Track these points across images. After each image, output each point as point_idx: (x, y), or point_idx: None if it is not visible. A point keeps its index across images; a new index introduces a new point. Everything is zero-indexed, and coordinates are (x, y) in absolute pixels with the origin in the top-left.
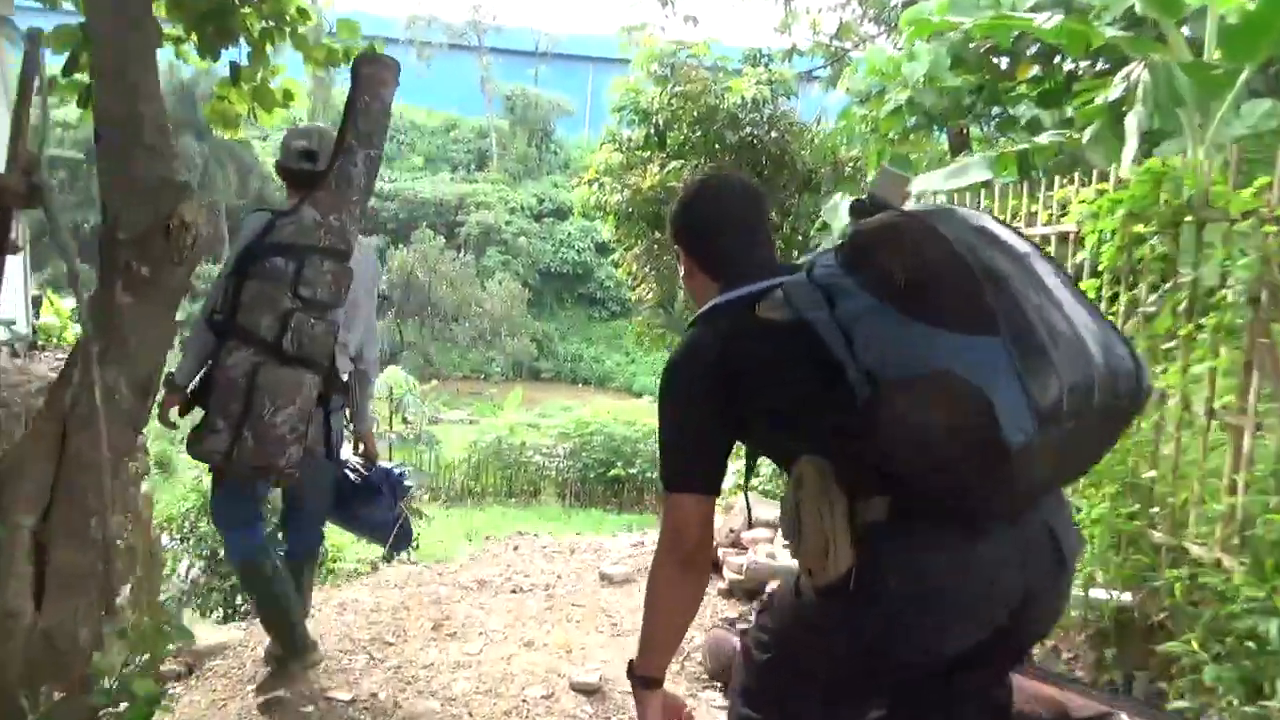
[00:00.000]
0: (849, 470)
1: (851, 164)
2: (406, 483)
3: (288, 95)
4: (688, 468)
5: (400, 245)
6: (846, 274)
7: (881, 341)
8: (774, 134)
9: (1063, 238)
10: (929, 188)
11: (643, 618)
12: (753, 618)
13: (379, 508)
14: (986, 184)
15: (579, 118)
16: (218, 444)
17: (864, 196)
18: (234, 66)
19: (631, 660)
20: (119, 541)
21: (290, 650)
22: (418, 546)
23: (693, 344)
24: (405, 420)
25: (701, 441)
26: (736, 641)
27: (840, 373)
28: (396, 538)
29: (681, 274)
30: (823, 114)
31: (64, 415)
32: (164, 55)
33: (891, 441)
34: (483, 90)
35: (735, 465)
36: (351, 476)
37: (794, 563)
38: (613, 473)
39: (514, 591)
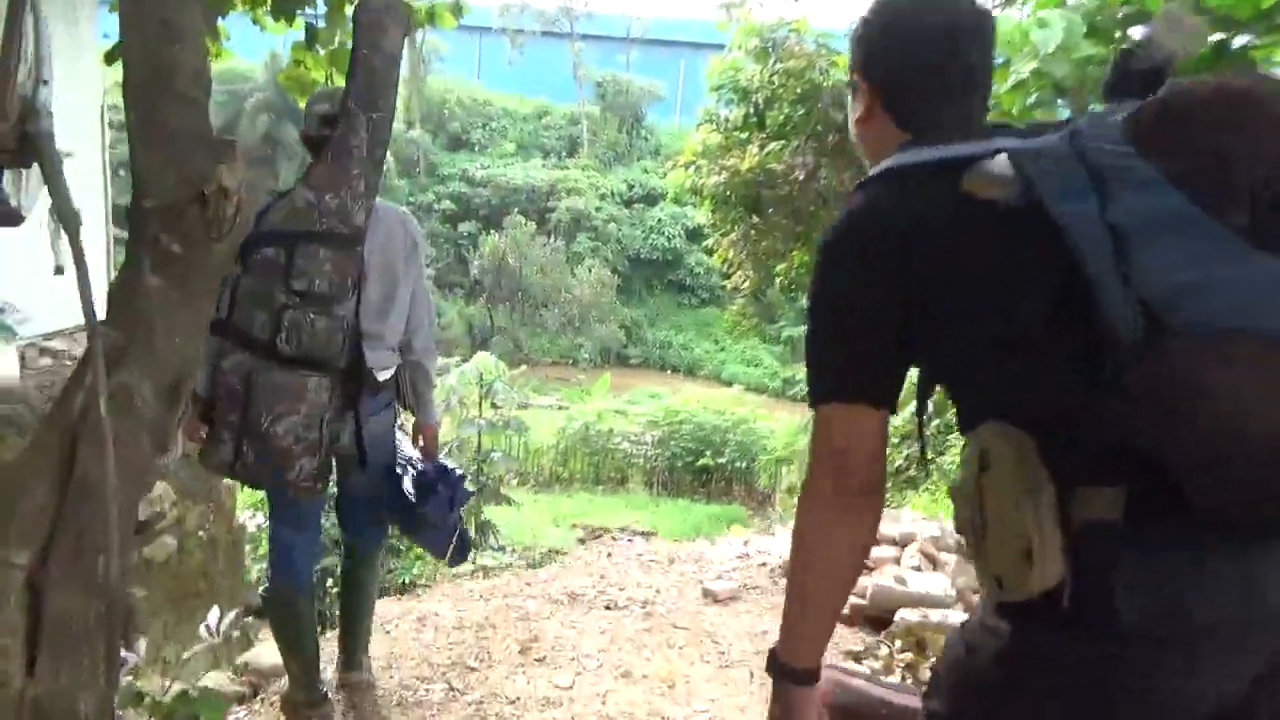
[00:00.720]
0: (1065, 443)
1: None
2: (467, 486)
3: None
4: (856, 366)
5: (491, 231)
6: (1139, 154)
7: (1187, 268)
8: None
9: None
10: None
11: (787, 586)
12: (918, 703)
13: (431, 511)
14: None
15: (670, 103)
16: (225, 455)
17: (1135, 44)
18: (309, 29)
19: (773, 648)
20: (202, 534)
21: (301, 695)
22: (474, 560)
23: (863, 211)
24: (495, 406)
25: (873, 333)
26: (870, 690)
27: (1089, 298)
28: (455, 551)
29: (852, 115)
30: None
31: (72, 426)
32: (241, 22)
33: (1168, 419)
34: (574, 76)
35: None
36: (406, 482)
37: (927, 589)
38: (701, 462)
39: (608, 608)
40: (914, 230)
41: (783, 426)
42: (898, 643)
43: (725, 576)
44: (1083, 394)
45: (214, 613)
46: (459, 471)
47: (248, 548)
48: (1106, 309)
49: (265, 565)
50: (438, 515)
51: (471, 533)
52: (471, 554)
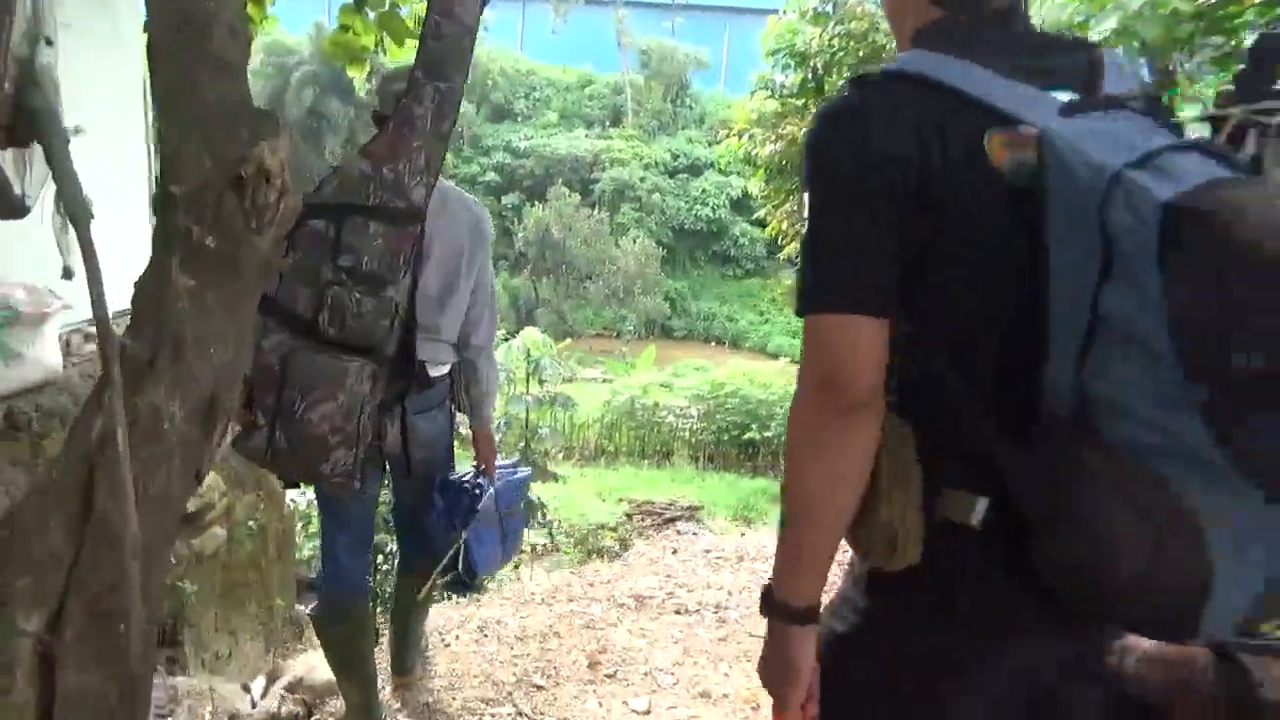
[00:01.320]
0: (947, 444)
1: None
2: (487, 506)
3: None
4: (854, 272)
5: (535, 203)
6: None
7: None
8: None
9: None
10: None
11: (781, 516)
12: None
13: (431, 523)
14: None
15: (715, 72)
16: (259, 441)
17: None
18: None
19: (766, 585)
20: (252, 523)
21: None
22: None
23: (864, 111)
24: (541, 383)
25: (872, 240)
26: None
27: (1037, 349)
28: (451, 575)
29: None
30: None
31: (89, 457)
32: None
33: (1047, 507)
34: (618, 45)
35: None
36: (462, 495)
37: None
38: (747, 435)
39: (678, 612)
40: (919, 163)
41: None
42: None
43: None
44: (981, 408)
45: (259, 683)
46: (519, 473)
47: (298, 526)
48: (1049, 378)
49: (317, 545)
50: (435, 528)
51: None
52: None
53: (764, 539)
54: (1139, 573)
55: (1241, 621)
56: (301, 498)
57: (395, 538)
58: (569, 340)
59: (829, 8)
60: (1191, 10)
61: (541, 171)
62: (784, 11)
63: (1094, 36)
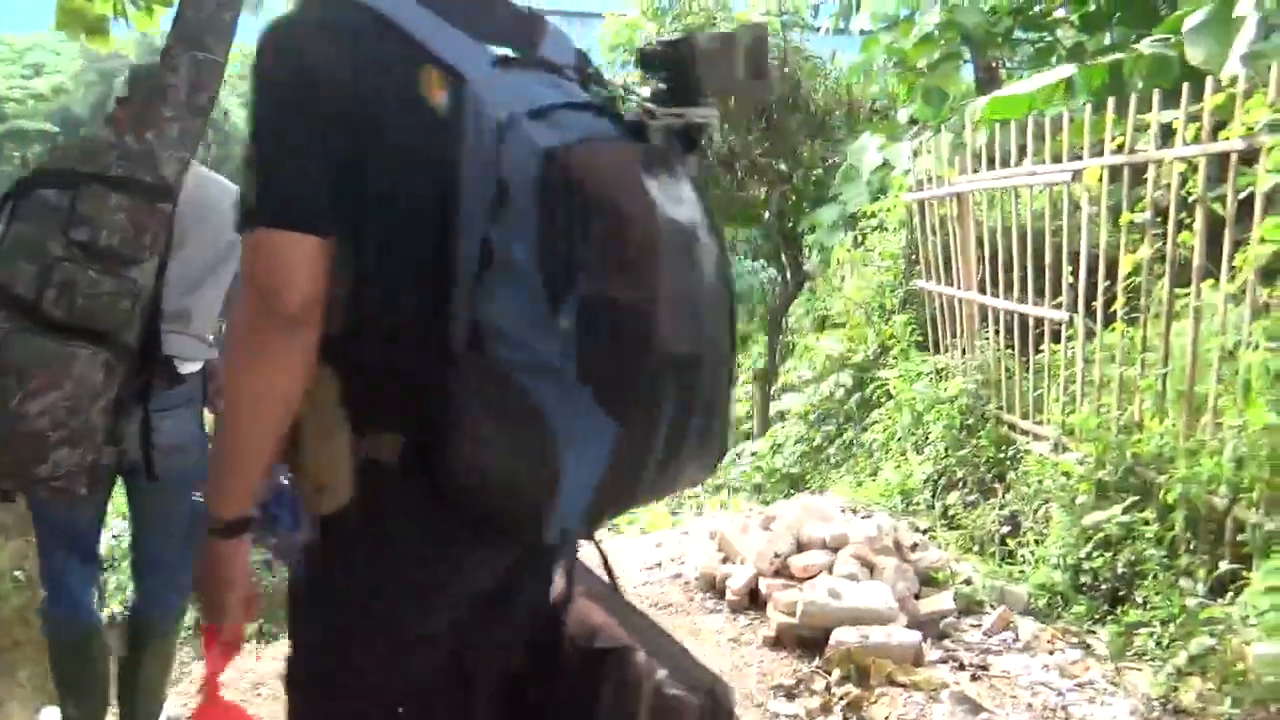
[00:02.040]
0: (367, 386)
1: (870, 104)
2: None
3: None
4: (293, 190)
5: None
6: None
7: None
8: (785, 69)
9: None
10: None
11: (219, 427)
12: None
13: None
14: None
15: None
16: None
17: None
18: None
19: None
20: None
21: None
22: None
23: (308, 32)
24: None
25: (308, 160)
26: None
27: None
28: None
29: None
30: (836, 48)
31: None
32: None
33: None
34: None
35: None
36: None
37: (866, 603)
38: None
39: None
40: (354, 90)
41: None
42: (835, 672)
43: (633, 595)
44: (402, 344)
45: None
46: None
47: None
48: (454, 309)
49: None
50: (178, 552)
51: None
52: None
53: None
54: (501, 476)
55: (586, 514)
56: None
57: (133, 581)
58: None
59: (665, 2)
60: (1009, 6)
61: None
62: (628, 7)
63: (919, 32)
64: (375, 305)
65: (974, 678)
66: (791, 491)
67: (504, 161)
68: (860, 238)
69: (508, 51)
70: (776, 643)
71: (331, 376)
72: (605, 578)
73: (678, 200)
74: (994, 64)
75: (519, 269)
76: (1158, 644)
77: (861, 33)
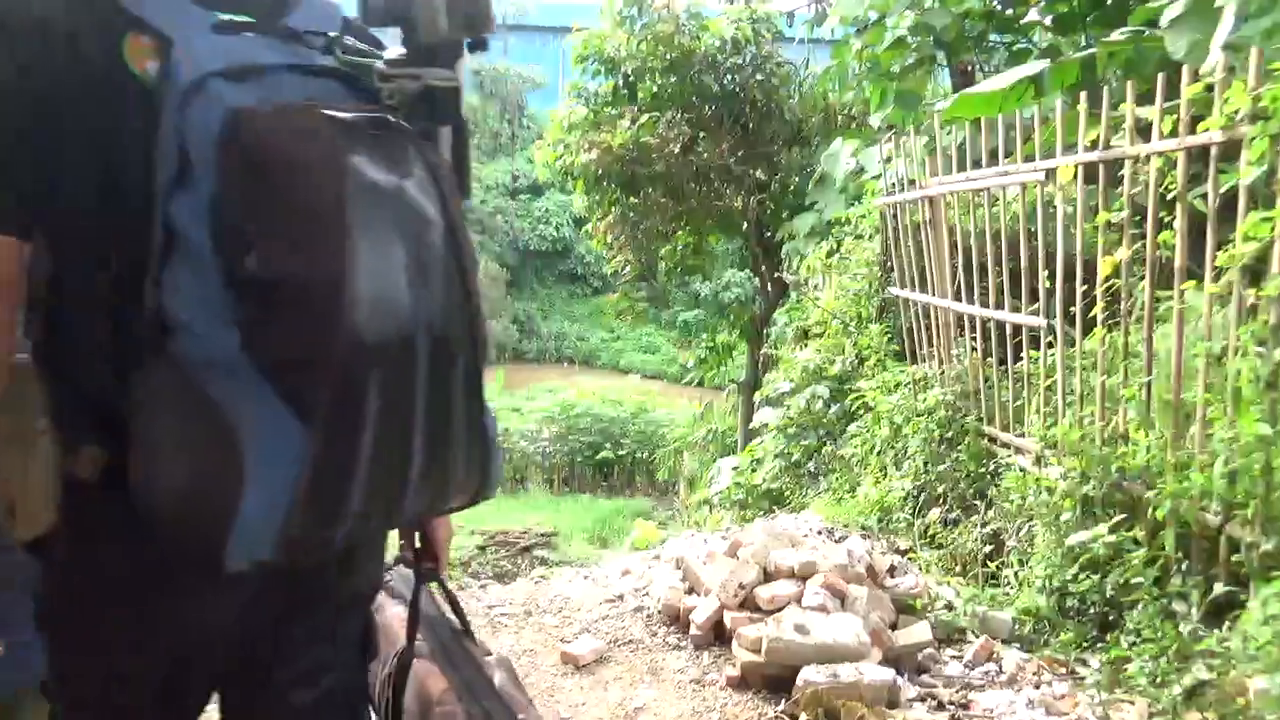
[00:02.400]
0: (71, 395)
1: (844, 110)
2: None
3: None
4: None
5: None
6: None
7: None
8: (759, 78)
9: (1199, 154)
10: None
11: None
12: None
13: None
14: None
15: (551, 90)
16: None
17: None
18: None
19: None
20: None
21: None
22: None
23: None
24: None
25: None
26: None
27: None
28: None
29: None
30: (810, 56)
31: None
32: None
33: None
34: None
35: (733, 461)
36: None
37: (836, 638)
38: (601, 455)
39: None
40: (46, 64)
41: (682, 414)
42: (803, 716)
43: (592, 629)
44: (101, 348)
45: None
46: None
47: None
48: (146, 302)
49: None
50: None
51: None
52: None
53: (566, 589)
54: (179, 490)
55: (280, 536)
56: None
57: None
58: None
59: (634, 10)
60: (982, 10)
61: None
62: (600, 17)
63: (891, 36)
64: (73, 305)
65: (954, 718)
66: (772, 509)
67: (189, 129)
68: (836, 245)
69: (235, 18)
70: (741, 682)
71: (30, 387)
72: (457, 622)
73: (394, 169)
74: (970, 68)
75: (197, 251)
76: (1150, 679)
77: (831, 39)
